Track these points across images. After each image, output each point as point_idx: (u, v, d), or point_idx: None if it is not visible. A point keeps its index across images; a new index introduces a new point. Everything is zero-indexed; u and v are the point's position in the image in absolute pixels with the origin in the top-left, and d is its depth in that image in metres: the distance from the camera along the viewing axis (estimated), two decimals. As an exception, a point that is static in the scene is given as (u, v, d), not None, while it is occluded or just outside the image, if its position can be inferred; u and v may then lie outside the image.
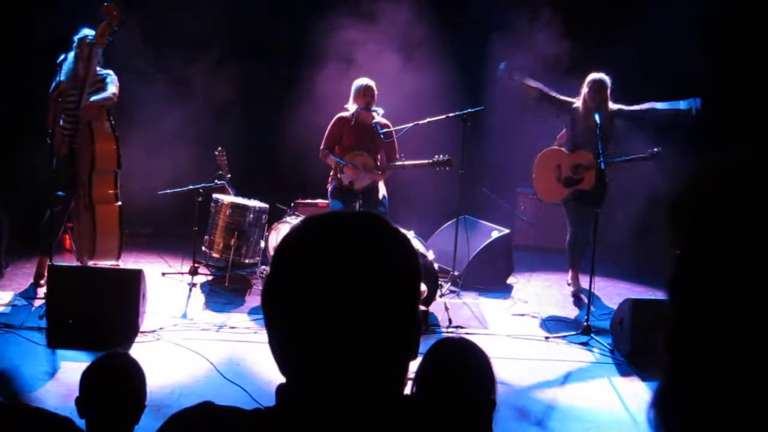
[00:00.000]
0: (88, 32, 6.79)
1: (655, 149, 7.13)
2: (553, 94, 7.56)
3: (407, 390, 1.33)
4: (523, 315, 7.16)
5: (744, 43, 8.56)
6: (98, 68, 6.86)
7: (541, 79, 7.88)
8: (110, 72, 6.93)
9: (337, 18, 8.90)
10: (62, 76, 6.79)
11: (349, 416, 1.22)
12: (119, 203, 7.02)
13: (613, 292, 7.92)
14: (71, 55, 6.82)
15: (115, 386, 2.71)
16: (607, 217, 7.67)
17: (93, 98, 6.74)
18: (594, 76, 7.35)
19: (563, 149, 7.60)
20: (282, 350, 1.27)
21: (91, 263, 6.82)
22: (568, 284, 7.94)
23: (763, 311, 0.83)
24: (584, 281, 7.52)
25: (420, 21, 9.15)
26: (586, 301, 7.08)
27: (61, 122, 6.78)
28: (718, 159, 0.94)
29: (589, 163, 7.34)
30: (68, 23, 7.20)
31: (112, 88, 6.85)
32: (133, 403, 2.74)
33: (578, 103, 7.43)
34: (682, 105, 7.20)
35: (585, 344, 6.33)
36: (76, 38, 6.83)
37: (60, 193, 6.65)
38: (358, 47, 8.84)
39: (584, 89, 7.37)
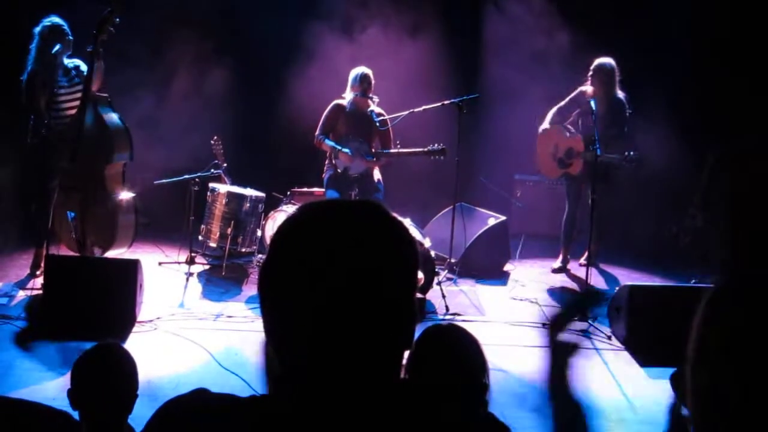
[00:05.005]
0: (57, 20, 6.60)
1: (632, 154, 7.08)
2: (562, 104, 7.65)
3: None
4: (520, 300, 7.17)
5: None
6: (65, 58, 6.71)
7: (535, 64, 7.95)
8: (80, 63, 6.80)
9: (332, 6, 8.91)
10: (40, 66, 6.55)
11: (342, 403, 1.22)
12: (133, 194, 6.99)
13: (610, 278, 7.93)
14: (57, 47, 6.54)
15: (106, 376, 2.71)
16: (610, 206, 7.68)
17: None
18: (598, 61, 7.44)
19: (564, 130, 7.69)
20: (276, 337, 1.27)
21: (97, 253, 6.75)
22: (553, 270, 8.06)
23: None
24: (581, 271, 7.54)
25: (414, 7, 9.15)
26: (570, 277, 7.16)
27: (52, 114, 6.66)
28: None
29: (578, 150, 7.50)
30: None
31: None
32: (124, 393, 2.74)
33: (585, 88, 7.52)
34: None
35: (583, 330, 6.34)
36: (47, 24, 6.59)
37: (52, 183, 6.61)
38: (351, 35, 8.83)
39: (589, 74, 7.48)
